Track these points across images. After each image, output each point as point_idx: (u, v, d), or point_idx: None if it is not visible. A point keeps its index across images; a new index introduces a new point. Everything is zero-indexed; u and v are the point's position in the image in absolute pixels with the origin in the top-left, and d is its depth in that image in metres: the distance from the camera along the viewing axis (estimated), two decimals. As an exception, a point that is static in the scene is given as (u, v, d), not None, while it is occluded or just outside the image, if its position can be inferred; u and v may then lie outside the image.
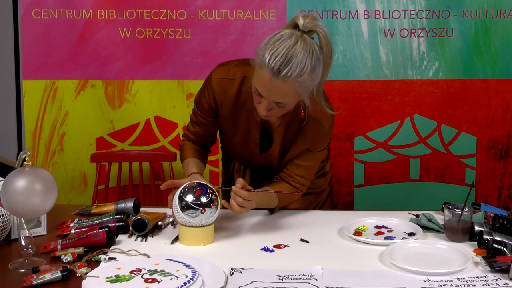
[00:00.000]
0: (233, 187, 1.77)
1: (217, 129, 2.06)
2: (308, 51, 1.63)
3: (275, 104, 1.72)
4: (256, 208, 1.86)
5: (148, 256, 1.63)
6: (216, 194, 1.78)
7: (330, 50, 1.69)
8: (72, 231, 1.83)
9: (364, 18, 2.78)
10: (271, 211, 2.00)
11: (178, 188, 1.79)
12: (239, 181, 1.78)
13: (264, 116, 1.77)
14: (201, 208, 1.74)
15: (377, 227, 1.90)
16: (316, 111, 1.84)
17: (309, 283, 1.51)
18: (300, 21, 1.67)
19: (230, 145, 2.06)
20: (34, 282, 1.48)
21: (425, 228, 1.88)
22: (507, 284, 1.50)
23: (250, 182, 2.08)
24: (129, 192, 2.74)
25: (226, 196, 2.25)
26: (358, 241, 1.79)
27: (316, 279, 1.53)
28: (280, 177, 1.98)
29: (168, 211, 1.96)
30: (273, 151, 1.96)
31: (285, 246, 1.77)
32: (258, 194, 1.82)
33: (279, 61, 1.62)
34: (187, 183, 1.78)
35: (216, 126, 2.03)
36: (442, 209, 1.94)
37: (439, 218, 1.93)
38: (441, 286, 1.50)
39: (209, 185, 1.78)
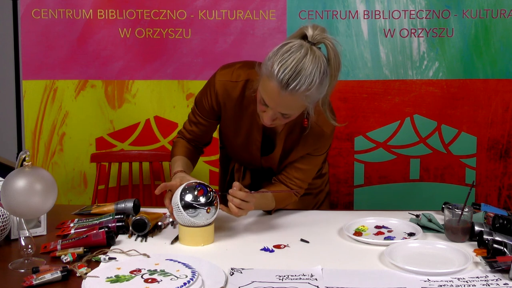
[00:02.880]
0: (230, 190, 1.77)
1: (213, 131, 2.05)
2: (317, 65, 1.61)
3: (280, 114, 1.71)
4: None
5: (148, 256, 1.63)
6: (216, 194, 1.78)
7: (338, 62, 1.67)
8: (72, 231, 1.83)
9: (364, 18, 2.78)
10: (268, 213, 2.01)
11: (172, 190, 1.79)
12: (236, 185, 1.78)
13: (268, 125, 1.77)
14: (201, 208, 1.74)
15: (377, 227, 1.90)
16: (318, 117, 1.84)
17: (309, 283, 1.51)
18: (310, 32, 1.64)
19: (231, 146, 2.05)
20: (34, 282, 1.48)
21: (425, 228, 1.88)
22: (507, 284, 1.49)
23: (250, 183, 2.08)
24: (129, 192, 2.74)
25: (224, 202, 2.25)
26: (358, 241, 1.79)
27: (316, 279, 1.53)
28: (278, 179, 1.98)
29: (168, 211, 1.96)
30: (274, 155, 1.96)
31: (285, 246, 1.76)
32: (255, 196, 1.82)
33: (288, 74, 1.60)
34: (185, 183, 1.78)
35: (213, 128, 2.03)
36: (442, 209, 1.94)
37: (439, 218, 1.93)
38: (441, 286, 1.50)
39: (207, 185, 1.78)
